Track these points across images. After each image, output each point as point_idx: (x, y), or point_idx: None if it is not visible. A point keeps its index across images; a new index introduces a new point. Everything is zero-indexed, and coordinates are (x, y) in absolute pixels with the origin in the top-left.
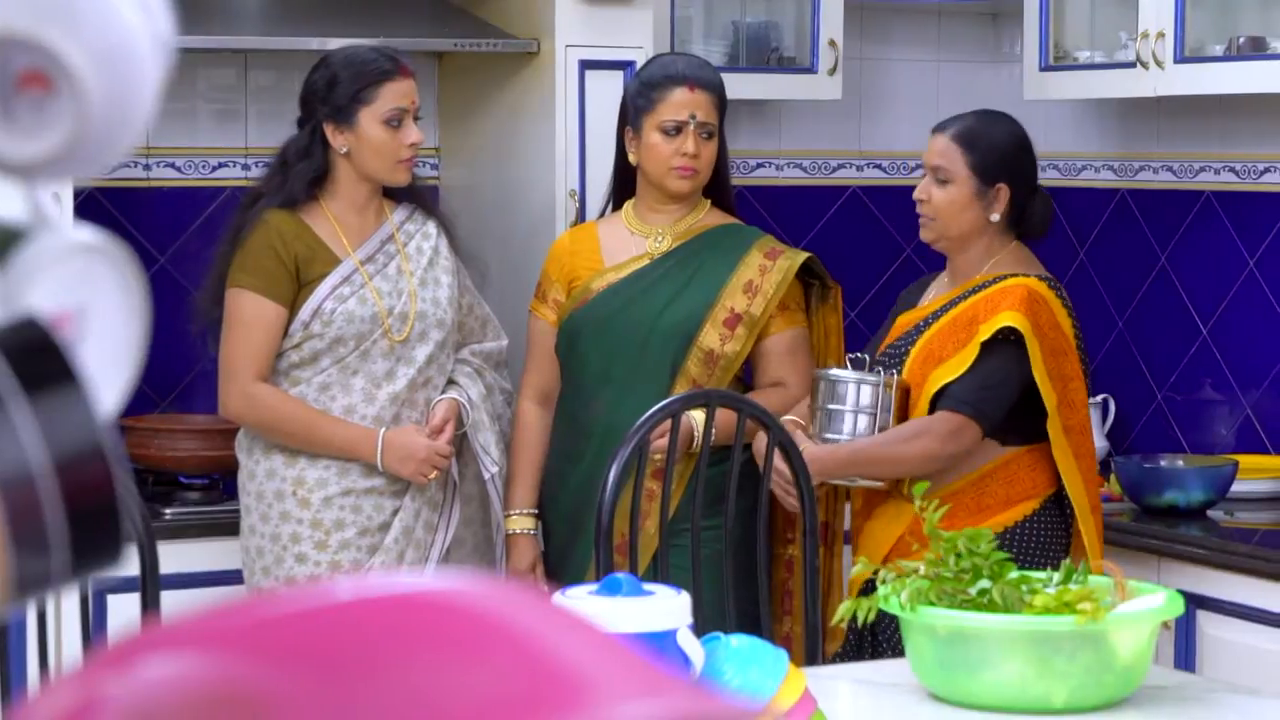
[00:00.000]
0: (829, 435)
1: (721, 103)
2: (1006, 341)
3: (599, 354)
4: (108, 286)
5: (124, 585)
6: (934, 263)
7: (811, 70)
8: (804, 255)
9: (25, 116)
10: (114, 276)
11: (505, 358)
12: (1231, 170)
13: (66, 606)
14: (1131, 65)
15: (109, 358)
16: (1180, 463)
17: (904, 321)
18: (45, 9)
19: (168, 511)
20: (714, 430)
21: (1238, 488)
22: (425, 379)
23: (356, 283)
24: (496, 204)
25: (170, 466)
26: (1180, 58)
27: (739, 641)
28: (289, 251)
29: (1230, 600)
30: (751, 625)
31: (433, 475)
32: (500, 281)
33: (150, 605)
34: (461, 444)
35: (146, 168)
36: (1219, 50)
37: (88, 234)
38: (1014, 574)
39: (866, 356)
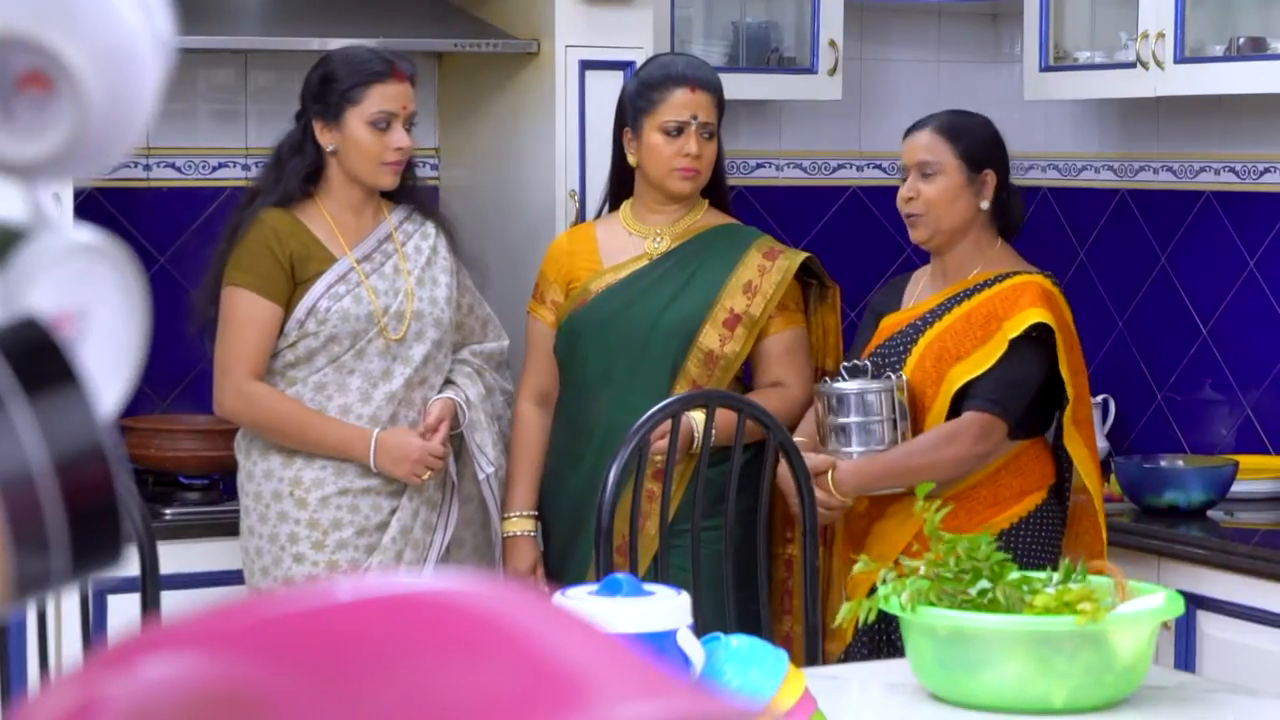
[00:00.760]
0: (843, 450)
1: (720, 103)
2: (1029, 338)
3: (599, 355)
4: (108, 287)
5: (124, 585)
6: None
7: (811, 70)
8: (803, 255)
9: (25, 117)
10: (114, 277)
11: (506, 358)
12: (1231, 170)
13: (66, 606)
14: (1131, 65)
15: (109, 358)
16: (1180, 463)
17: (891, 323)
18: (45, 9)
19: (168, 511)
20: (714, 431)
21: (1238, 488)
22: (422, 378)
23: (352, 281)
24: (496, 204)
25: (170, 467)
26: (1180, 58)
27: (739, 642)
28: (284, 250)
29: (1230, 600)
30: (752, 625)
31: (427, 476)
32: (500, 282)
33: (150, 605)
34: (461, 444)
35: (146, 168)
36: (1219, 50)
37: (88, 234)
38: (1014, 574)
39: (868, 364)
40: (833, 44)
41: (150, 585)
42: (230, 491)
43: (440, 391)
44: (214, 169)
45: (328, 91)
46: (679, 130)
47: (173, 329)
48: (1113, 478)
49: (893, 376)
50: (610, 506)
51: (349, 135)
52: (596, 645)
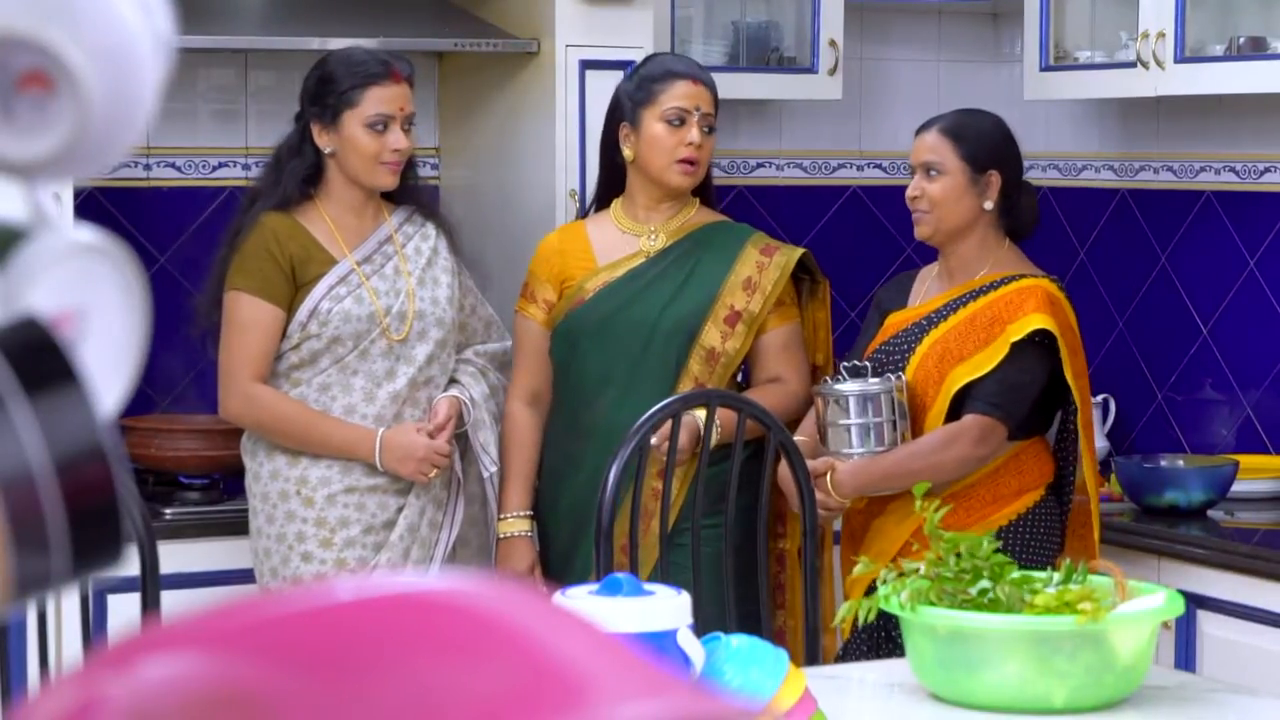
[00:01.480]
0: (843, 451)
1: (717, 102)
2: (1031, 343)
3: (600, 354)
4: (108, 286)
5: (124, 585)
6: (926, 263)
7: (812, 70)
8: (799, 251)
9: (26, 116)
10: (114, 276)
11: (510, 359)
12: (1232, 170)
13: (67, 606)
14: (1132, 65)
15: (109, 358)
16: (1180, 463)
17: (897, 321)
18: (46, 9)
19: (168, 511)
20: (715, 429)
21: (1238, 488)
22: (426, 378)
23: (353, 283)
24: (497, 204)
25: (170, 466)
26: (1180, 58)
27: (739, 641)
28: (284, 253)
29: (1230, 600)
30: (751, 623)
31: (433, 474)
32: (500, 282)
33: (150, 605)
34: (465, 443)
35: (147, 168)
36: (1219, 50)
37: (88, 234)
38: (1014, 574)
39: (867, 365)
40: (833, 44)
41: (150, 585)
42: (231, 491)
43: (444, 391)
44: (214, 169)
45: (325, 94)
46: (681, 120)
47: (173, 329)
48: (1113, 477)
49: (892, 377)
50: (611, 506)
51: (346, 137)
52: (597, 645)
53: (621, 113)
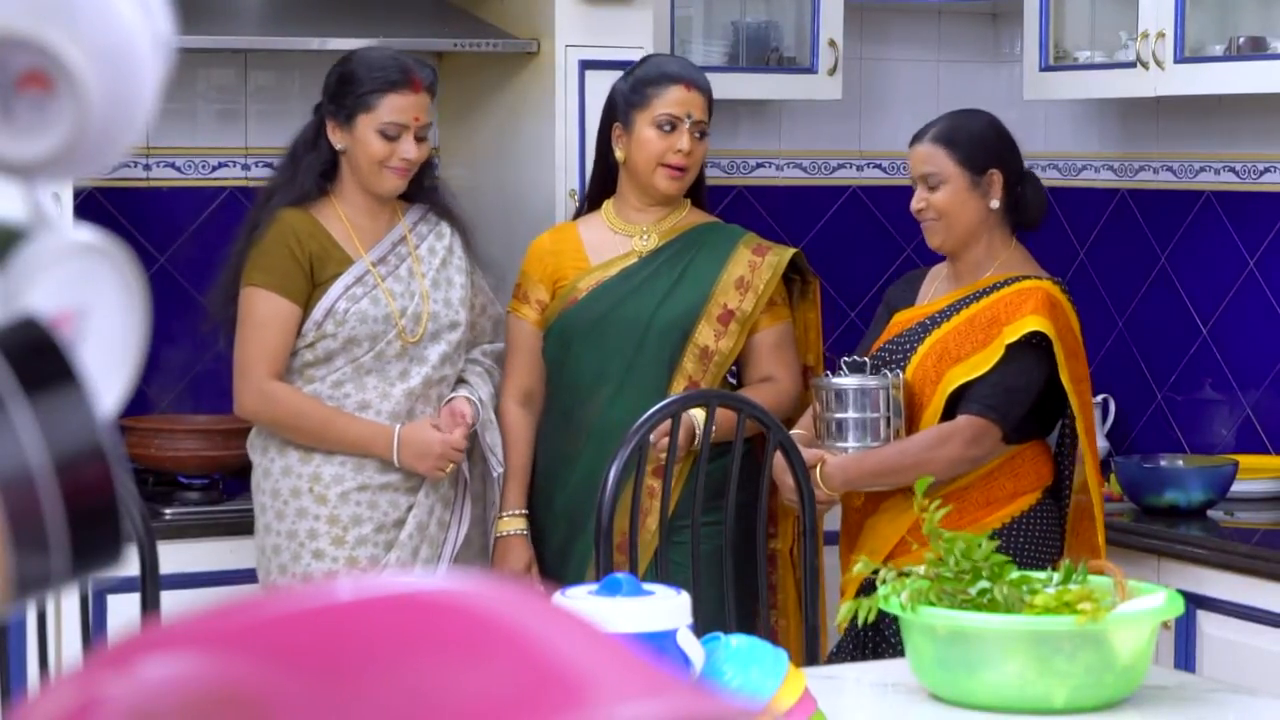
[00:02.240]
0: (838, 444)
1: (711, 105)
2: (1029, 345)
3: (594, 354)
4: (108, 286)
5: (124, 585)
6: (932, 261)
7: (811, 70)
8: (791, 251)
9: (25, 116)
10: (114, 276)
11: None
12: (1231, 170)
13: (66, 607)
14: (1131, 65)
15: (109, 358)
16: (1180, 463)
17: (903, 319)
18: (45, 9)
19: (168, 511)
20: (713, 428)
21: (1238, 488)
22: (440, 377)
23: (369, 283)
24: (496, 204)
25: (170, 466)
26: (1180, 58)
27: (739, 641)
28: (303, 250)
29: (1230, 600)
30: (747, 621)
31: (448, 469)
32: (499, 281)
33: (150, 605)
34: (471, 443)
35: (146, 168)
36: (1219, 50)
37: (88, 234)
38: (1014, 574)
39: (866, 360)
40: (832, 44)
41: (150, 585)
42: (231, 491)
43: (453, 390)
44: (214, 169)
45: (344, 93)
46: (672, 126)
47: (173, 329)
48: (1113, 477)
49: (889, 374)
50: (610, 505)
51: (358, 139)
52: (596, 645)
53: (615, 112)
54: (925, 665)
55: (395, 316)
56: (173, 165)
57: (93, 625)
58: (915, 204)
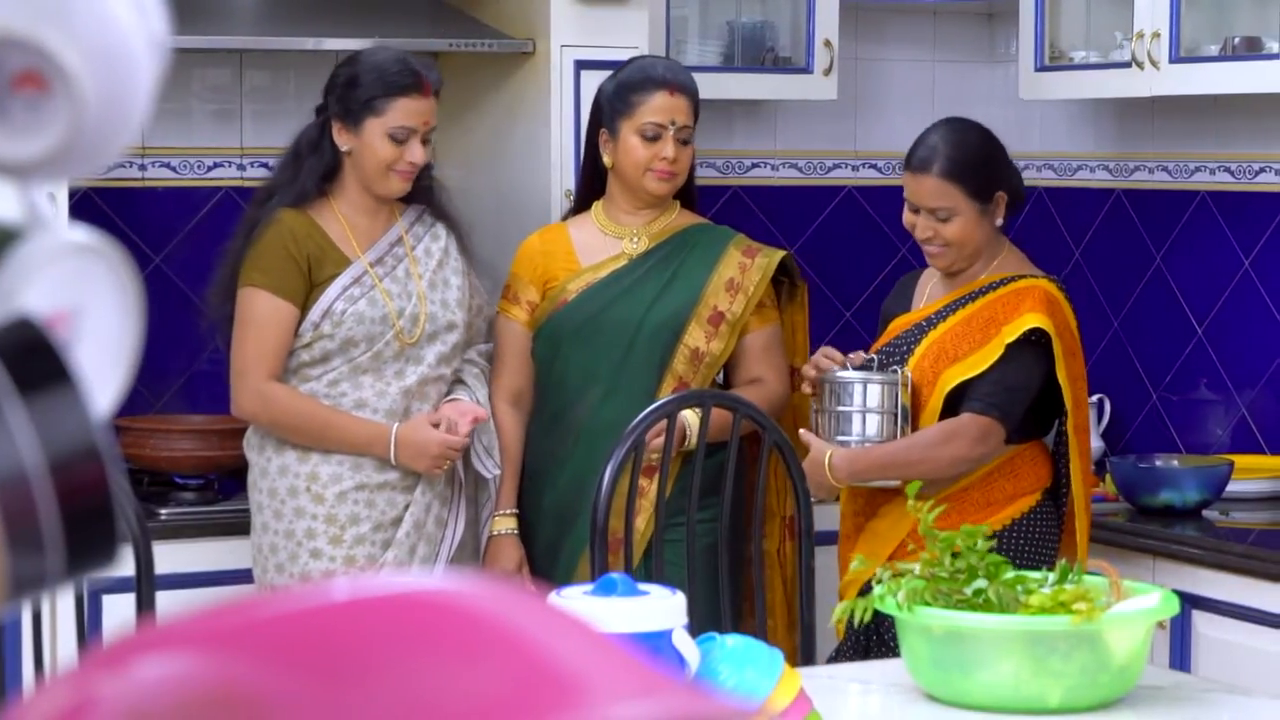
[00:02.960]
0: (841, 438)
1: (697, 106)
2: (1028, 343)
3: (583, 355)
4: (103, 287)
5: (119, 585)
6: (924, 262)
7: (807, 70)
8: (781, 253)
9: (20, 117)
10: (109, 276)
11: None
12: (1227, 170)
13: (61, 607)
14: (1127, 65)
15: (104, 358)
16: (1175, 463)
17: (901, 322)
18: (41, 9)
19: (163, 512)
20: (707, 428)
21: (1233, 488)
22: (437, 376)
23: (366, 284)
24: (491, 204)
25: (165, 467)
26: (1175, 58)
27: (734, 641)
28: (301, 251)
29: (1225, 600)
30: (735, 620)
31: (445, 467)
32: (494, 281)
33: (145, 606)
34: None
35: (142, 168)
36: (1214, 50)
37: (83, 234)
38: (1010, 574)
39: (875, 357)
40: (828, 44)
41: (145, 585)
42: (226, 491)
43: (450, 391)
44: (209, 169)
45: (351, 96)
46: (656, 135)
47: (168, 329)
48: (1108, 477)
49: (898, 371)
50: (606, 505)
51: (365, 142)
52: (592, 645)
53: (601, 118)
54: (921, 665)
55: (393, 317)
56: (168, 165)
57: (88, 625)
58: (921, 232)
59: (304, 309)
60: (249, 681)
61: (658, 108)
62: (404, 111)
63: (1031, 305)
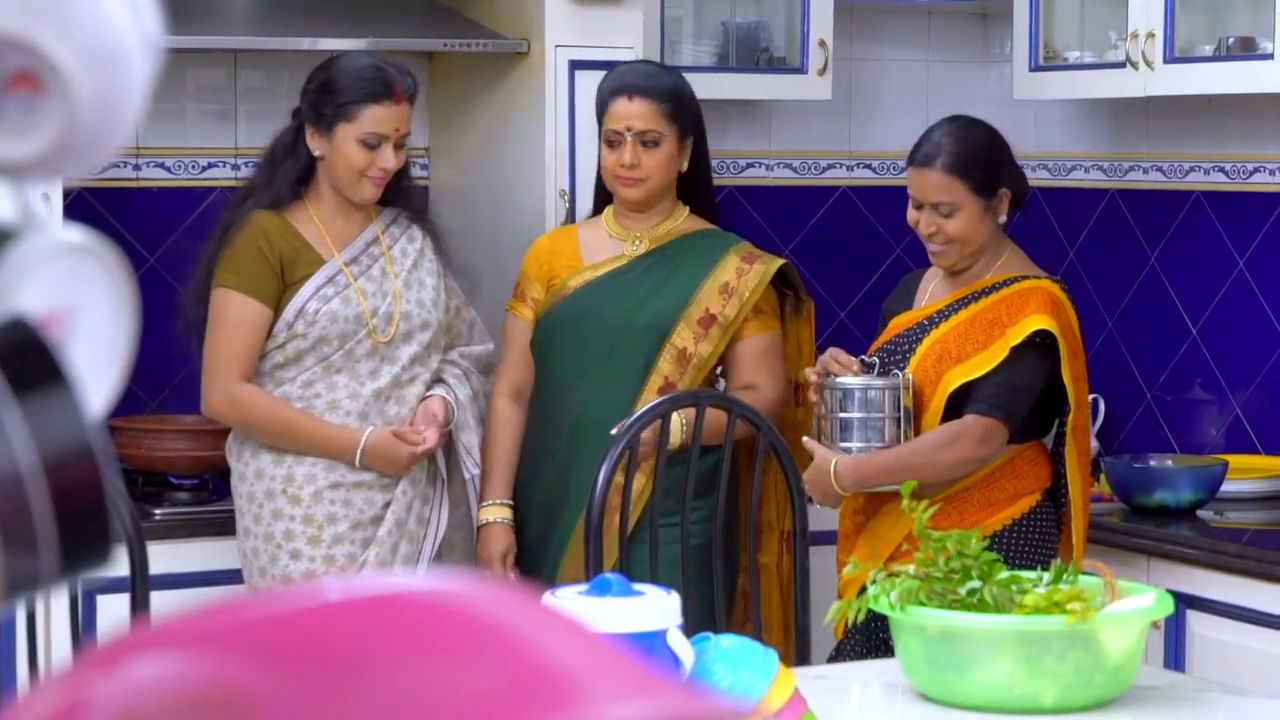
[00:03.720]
0: (844, 444)
1: (674, 109)
2: (1031, 344)
3: (573, 350)
4: (97, 287)
5: (113, 586)
6: (924, 261)
7: (801, 70)
8: (780, 261)
9: (14, 117)
10: (103, 277)
11: (493, 361)
12: (1221, 170)
13: (56, 607)
14: (1121, 65)
15: (98, 358)
16: (1170, 463)
17: (900, 322)
18: (35, 9)
19: (157, 512)
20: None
21: (1227, 488)
22: (410, 377)
23: (340, 283)
24: (487, 204)
25: (160, 467)
26: (1170, 58)
27: (729, 642)
28: (274, 251)
29: (1220, 600)
30: (727, 619)
31: (420, 467)
32: (490, 282)
33: (140, 606)
34: (448, 444)
35: (136, 168)
36: (1208, 50)
37: (77, 234)
38: (1004, 574)
39: (876, 360)
40: (822, 44)
41: (140, 585)
42: (220, 492)
43: (430, 390)
44: (204, 169)
45: (324, 101)
46: (617, 141)
47: (162, 329)
48: (1103, 477)
49: (899, 374)
50: (601, 505)
51: (336, 147)
52: (585, 645)
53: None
54: (915, 665)
55: (366, 316)
56: (162, 165)
57: (82, 625)
58: (925, 228)
59: (277, 309)
60: (243, 682)
61: (615, 114)
62: (375, 118)
63: (1036, 306)
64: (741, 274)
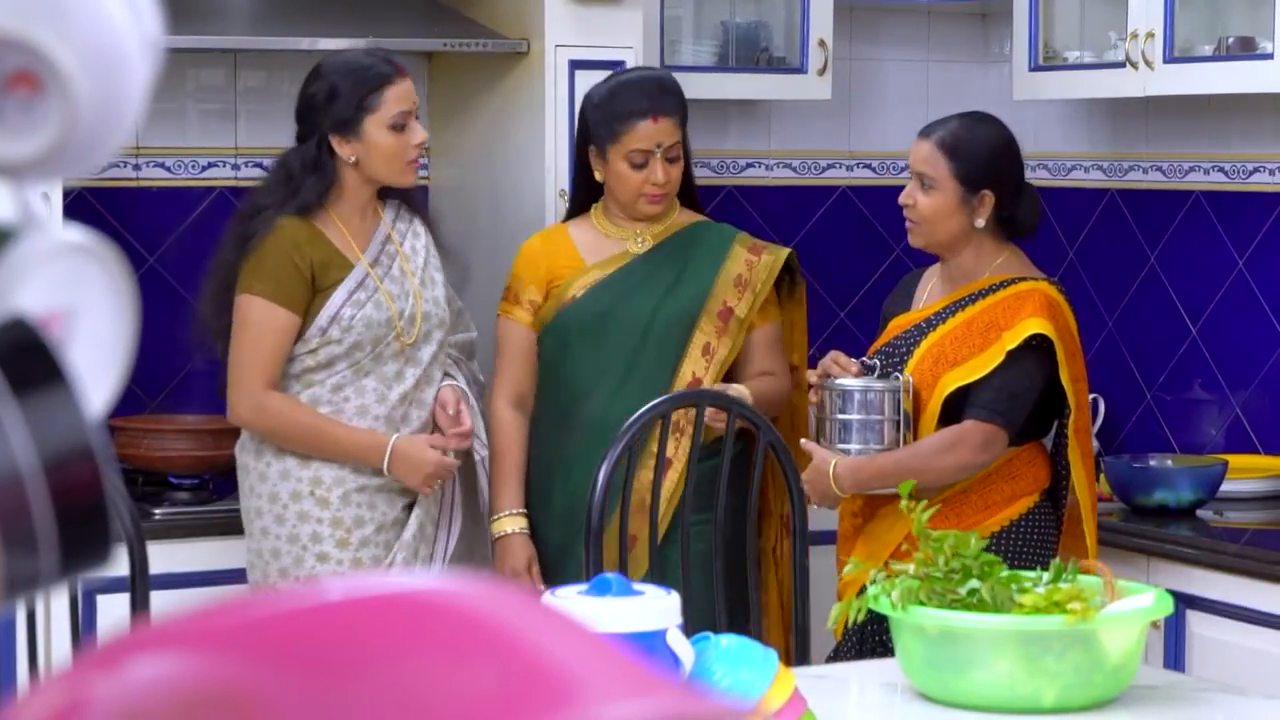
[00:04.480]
0: (842, 446)
1: (683, 117)
2: (1030, 348)
3: (593, 351)
4: (97, 287)
5: (113, 585)
6: (923, 263)
7: (801, 70)
8: (786, 251)
9: (14, 117)
10: (103, 277)
11: (475, 349)
12: (1221, 170)
13: (56, 607)
14: (1121, 65)
15: (98, 358)
16: (1169, 462)
17: (899, 323)
18: (34, 9)
19: (157, 512)
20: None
21: (1227, 487)
22: (429, 377)
23: (370, 287)
24: (487, 204)
25: (160, 466)
26: (1169, 58)
27: (729, 641)
28: (304, 259)
29: (1219, 600)
30: (738, 622)
31: (436, 486)
32: (489, 281)
33: (139, 605)
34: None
35: (136, 168)
36: (1208, 50)
37: (77, 234)
38: (1004, 573)
39: (876, 362)
40: (822, 44)
41: (139, 585)
42: (220, 491)
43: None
44: (203, 169)
45: (339, 105)
46: (644, 162)
47: (162, 329)
48: (1102, 477)
49: (899, 377)
50: (601, 506)
51: (370, 143)
52: (585, 645)
53: (588, 136)
54: (915, 665)
55: (394, 318)
56: (162, 165)
57: (82, 625)
58: (903, 198)
59: (308, 315)
60: (242, 681)
61: (643, 135)
62: (396, 98)
63: (1032, 310)
64: (751, 266)
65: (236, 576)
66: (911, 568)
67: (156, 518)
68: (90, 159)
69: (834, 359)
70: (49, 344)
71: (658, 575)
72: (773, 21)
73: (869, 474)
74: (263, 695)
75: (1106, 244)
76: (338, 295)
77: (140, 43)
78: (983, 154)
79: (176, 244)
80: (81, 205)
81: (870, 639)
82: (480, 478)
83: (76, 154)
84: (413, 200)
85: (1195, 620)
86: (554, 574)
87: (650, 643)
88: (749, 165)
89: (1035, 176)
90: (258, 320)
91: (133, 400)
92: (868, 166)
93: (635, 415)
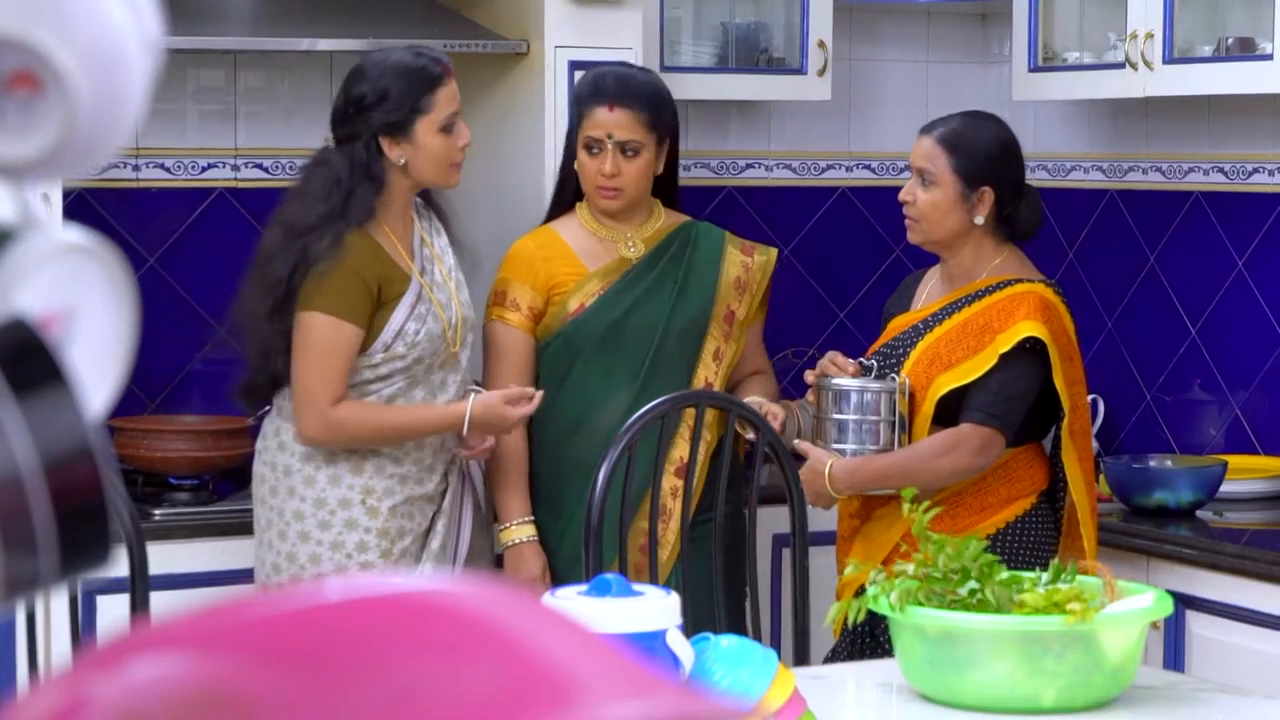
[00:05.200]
0: (838, 446)
1: (653, 118)
2: (1025, 350)
3: (608, 360)
4: (97, 287)
5: (113, 586)
6: (923, 263)
7: (801, 71)
8: (773, 251)
9: (14, 117)
10: (103, 277)
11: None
12: (1220, 171)
13: (55, 607)
14: (1120, 66)
15: (98, 359)
16: (1169, 463)
17: (899, 324)
18: (34, 9)
19: (157, 512)
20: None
21: (1227, 488)
22: (464, 380)
23: (426, 299)
24: (486, 204)
25: (159, 467)
26: (1169, 58)
27: (728, 642)
28: (372, 275)
29: (1219, 600)
30: (738, 622)
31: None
32: (488, 281)
33: (139, 606)
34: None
35: (136, 168)
36: (1208, 51)
37: (76, 234)
38: (1003, 574)
39: (874, 363)
40: (822, 44)
41: (139, 586)
42: (221, 492)
43: None
44: (203, 169)
45: (390, 105)
46: (598, 147)
47: (162, 330)
48: (1102, 478)
49: (895, 378)
50: (600, 506)
51: (421, 145)
52: (585, 645)
53: (570, 125)
54: (914, 665)
55: (446, 330)
56: (162, 166)
57: (82, 626)
58: (903, 194)
59: (371, 329)
60: (242, 681)
61: (597, 121)
62: (447, 99)
63: (1026, 313)
64: (748, 268)
65: (237, 577)
66: (911, 568)
67: (156, 518)
68: (90, 159)
69: (832, 359)
70: (49, 344)
71: (679, 580)
72: (772, 22)
73: (865, 475)
74: (263, 695)
75: (1106, 245)
76: (400, 311)
77: (140, 43)
78: (983, 150)
79: (176, 245)
80: (81, 205)
81: (860, 643)
82: (478, 482)
83: (76, 154)
84: (429, 195)
85: (1195, 621)
86: (565, 583)
87: (649, 643)
88: (749, 166)
89: (1035, 177)
90: (324, 338)
91: (133, 400)
92: (867, 167)
93: (635, 416)
